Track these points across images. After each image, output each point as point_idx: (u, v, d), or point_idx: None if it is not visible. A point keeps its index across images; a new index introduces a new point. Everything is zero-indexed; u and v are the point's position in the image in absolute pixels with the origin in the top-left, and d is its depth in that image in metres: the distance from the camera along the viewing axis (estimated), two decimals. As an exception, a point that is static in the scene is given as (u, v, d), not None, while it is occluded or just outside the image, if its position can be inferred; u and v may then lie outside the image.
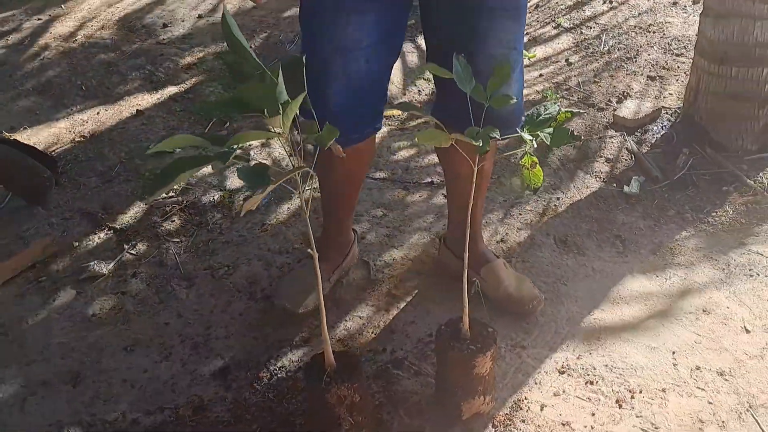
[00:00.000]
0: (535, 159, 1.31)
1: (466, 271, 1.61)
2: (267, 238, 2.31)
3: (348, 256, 2.12)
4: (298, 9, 1.74)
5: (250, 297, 2.09)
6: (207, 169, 2.58)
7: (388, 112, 3.00)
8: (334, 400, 1.51)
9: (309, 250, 1.39)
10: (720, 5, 2.61)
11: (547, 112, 1.31)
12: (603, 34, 3.52)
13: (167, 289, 2.13)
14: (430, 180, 2.57)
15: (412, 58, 3.39)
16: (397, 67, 3.32)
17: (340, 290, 2.10)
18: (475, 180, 1.46)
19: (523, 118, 1.74)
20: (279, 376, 1.85)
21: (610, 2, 3.77)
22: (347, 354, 1.60)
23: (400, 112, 2.99)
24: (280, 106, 1.12)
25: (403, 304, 2.06)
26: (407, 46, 3.49)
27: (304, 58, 1.23)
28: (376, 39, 1.68)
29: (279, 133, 1.14)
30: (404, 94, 3.13)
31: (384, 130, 2.90)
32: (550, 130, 1.26)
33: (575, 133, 1.30)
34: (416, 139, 1.44)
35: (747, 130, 2.69)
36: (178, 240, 2.31)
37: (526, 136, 1.27)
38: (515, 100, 1.37)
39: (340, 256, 2.09)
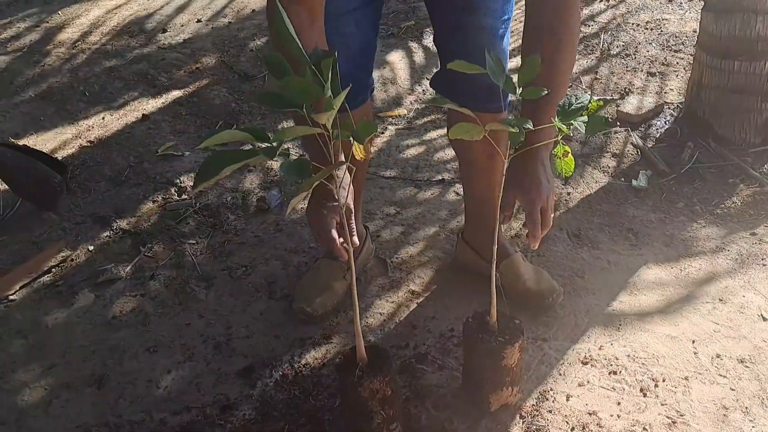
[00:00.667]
0: (568, 149, 1.32)
1: (495, 262, 1.61)
2: (282, 238, 2.31)
3: (362, 253, 2.12)
4: None
5: (270, 296, 2.10)
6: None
7: (394, 112, 3.01)
8: (367, 394, 1.52)
9: (345, 244, 1.40)
10: (721, 2, 2.65)
11: (579, 101, 1.32)
12: (602, 32, 3.56)
13: (186, 290, 2.13)
14: (441, 177, 2.59)
15: (418, 58, 3.41)
16: (403, 66, 3.34)
17: (359, 287, 2.11)
18: (504, 169, 1.47)
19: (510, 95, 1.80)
20: (303, 373, 1.85)
21: (608, 1, 3.81)
22: (377, 348, 1.61)
23: (406, 112, 3.01)
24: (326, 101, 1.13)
25: (422, 300, 2.07)
26: (413, 46, 3.51)
27: (336, 52, 1.24)
28: (362, 1, 1.71)
29: (324, 128, 1.15)
30: (411, 93, 3.15)
31: (392, 129, 2.91)
32: (585, 118, 1.27)
33: (609, 120, 1.31)
34: (448, 135, 1.45)
35: (750, 123, 2.73)
36: (194, 242, 2.31)
37: (561, 126, 1.28)
38: (546, 92, 1.38)
39: (353, 255, 2.09)
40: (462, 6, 1.72)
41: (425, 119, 2.96)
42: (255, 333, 1.98)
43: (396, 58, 3.42)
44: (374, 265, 2.18)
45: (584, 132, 1.27)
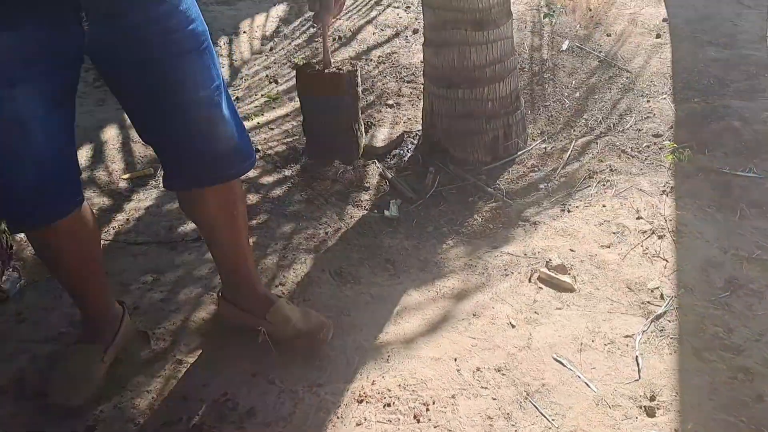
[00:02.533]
0: None
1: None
2: (27, 329, 2.11)
3: (119, 331, 2.00)
4: None
5: (20, 396, 1.90)
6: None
7: (140, 173, 2.89)
8: None
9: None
10: (437, 37, 2.87)
11: None
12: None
13: None
14: (197, 236, 2.52)
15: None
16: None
17: (121, 368, 1.98)
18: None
19: (253, 152, 1.85)
20: (68, 475, 1.70)
21: (340, 39, 3.97)
22: None
23: (153, 171, 2.90)
24: None
25: (191, 368, 1.99)
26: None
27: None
28: (50, 107, 1.59)
29: None
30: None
31: (140, 191, 2.79)
32: None
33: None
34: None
35: (480, 144, 2.98)
36: None
37: None
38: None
39: (110, 335, 1.97)
40: (166, 88, 1.65)
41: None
42: (6, 441, 1.79)
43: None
44: (135, 341, 2.06)
45: None
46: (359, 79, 2.89)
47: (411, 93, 3.51)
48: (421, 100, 3.20)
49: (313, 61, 3.08)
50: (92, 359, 1.89)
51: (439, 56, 2.90)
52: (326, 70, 2.77)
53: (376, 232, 2.60)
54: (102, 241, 2.42)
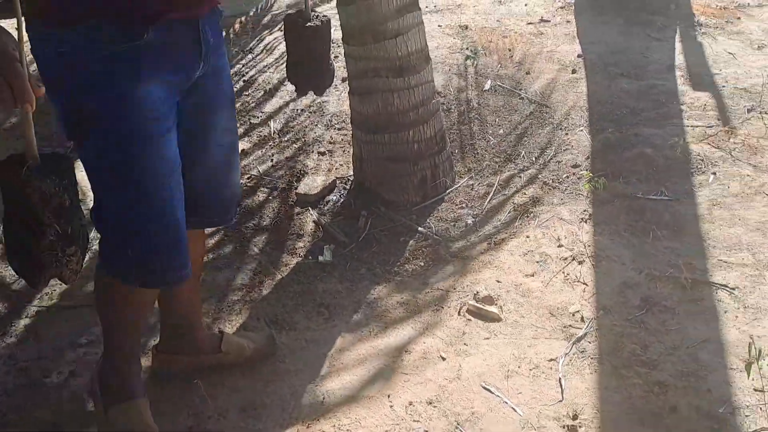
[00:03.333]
0: None
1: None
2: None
3: None
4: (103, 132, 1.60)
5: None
6: None
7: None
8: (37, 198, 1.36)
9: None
10: (361, 85, 2.98)
11: None
12: (270, 120, 3.79)
13: None
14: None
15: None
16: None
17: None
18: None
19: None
20: None
21: (270, 91, 4.07)
22: (57, 155, 1.46)
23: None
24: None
25: None
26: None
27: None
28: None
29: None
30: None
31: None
32: None
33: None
34: None
35: (408, 185, 3.08)
36: None
37: None
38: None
39: None
40: (206, 133, 1.77)
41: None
42: None
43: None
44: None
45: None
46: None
47: (342, 140, 3.60)
48: (352, 147, 3.29)
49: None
50: None
51: (363, 103, 3.01)
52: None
53: (310, 278, 2.66)
54: (38, 308, 2.45)
